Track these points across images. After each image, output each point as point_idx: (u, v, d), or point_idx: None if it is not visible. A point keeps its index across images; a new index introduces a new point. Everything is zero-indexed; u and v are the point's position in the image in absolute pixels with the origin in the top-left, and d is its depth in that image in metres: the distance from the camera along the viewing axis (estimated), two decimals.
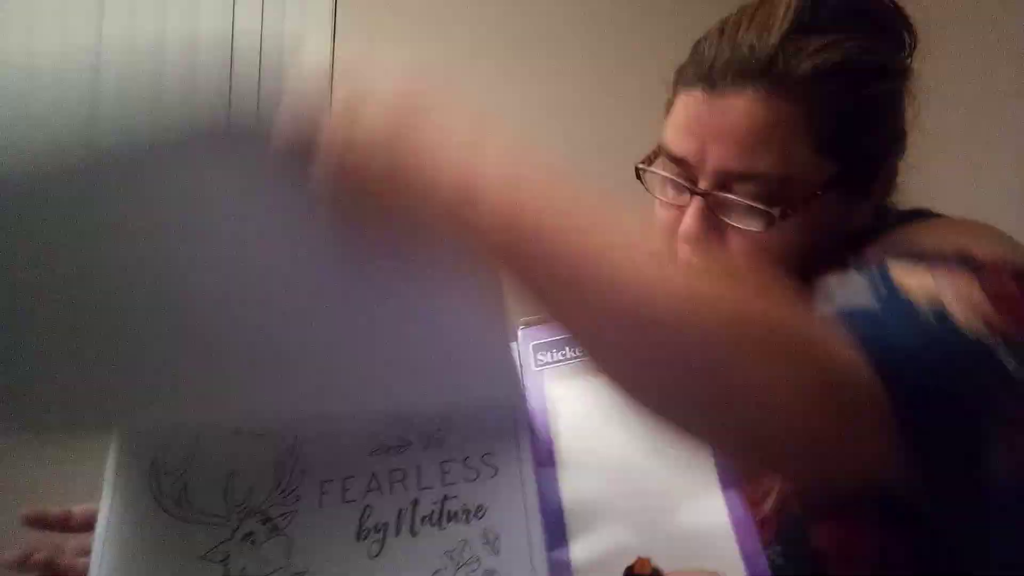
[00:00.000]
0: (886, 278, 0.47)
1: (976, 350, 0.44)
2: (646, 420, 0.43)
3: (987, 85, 1.69)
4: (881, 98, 0.59)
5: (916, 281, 0.46)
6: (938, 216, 0.61)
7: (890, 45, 0.59)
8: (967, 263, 0.48)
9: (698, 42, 0.61)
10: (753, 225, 0.57)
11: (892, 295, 0.46)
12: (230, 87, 0.39)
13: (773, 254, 0.57)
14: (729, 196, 0.57)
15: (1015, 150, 1.65)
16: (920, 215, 0.61)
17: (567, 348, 0.61)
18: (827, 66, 0.55)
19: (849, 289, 0.48)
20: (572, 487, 0.56)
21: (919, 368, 0.42)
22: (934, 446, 0.42)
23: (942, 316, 0.44)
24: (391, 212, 0.38)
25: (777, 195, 0.56)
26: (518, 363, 0.62)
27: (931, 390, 0.42)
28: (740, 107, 0.55)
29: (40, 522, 0.57)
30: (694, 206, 0.58)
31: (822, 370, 0.40)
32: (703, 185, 0.58)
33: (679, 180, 0.60)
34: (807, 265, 0.58)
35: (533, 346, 0.62)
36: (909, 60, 0.61)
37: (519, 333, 0.64)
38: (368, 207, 0.38)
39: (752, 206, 0.56)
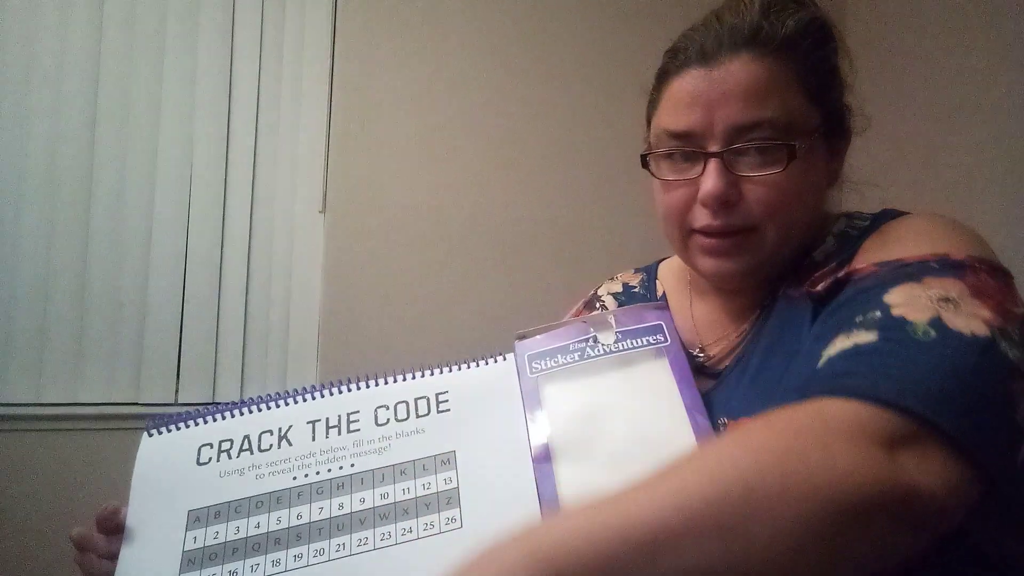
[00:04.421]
0: (885, 311, 0.52)
1: (979, 346, 0.48)
2: None
3: (987, 86, 1.78)
4: (836, 55, 0.67)
5: (911, 306, 0.51)
6: (902, 214, 0.66)
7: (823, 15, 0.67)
8: (949, 268, 0.54)
9: (672, 46, 0.68)
10: (771, 168, 0.62)
11: (892, 323, 0.50)
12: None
13: (786, 197, 0.62)
14: (745, 145, 0.62)
15: (1012, 151, 1.71)
16: (887, 214, 0.66)
17: (559, 356, 0.66)
18: (804, 23, 0.63)
19: (856, 334, 0.52)
20: (567, 478, 0.60)
21: (935, 385, 0.45)
22: (987, 449, 0.44)
23: (940, 326, 0.49)
24: None
25: (787, 136, 0.61)
26: (513, 370, 0.67)
27: (955, 399, 0.45)
28: (738, 69, 0.62)
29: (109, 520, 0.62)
30: (712, 167, 0.62)
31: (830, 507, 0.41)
32: (714, 148, 0.63)
33: (691, 149, 0.64)
34: (805, 214, 0.65)
35: (528, 356, 0.67)
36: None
37: (515, 344, 0.69)
38: None
39: (771, 144, 0.61)
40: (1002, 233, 1.65)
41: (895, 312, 0.51)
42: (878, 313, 0.52)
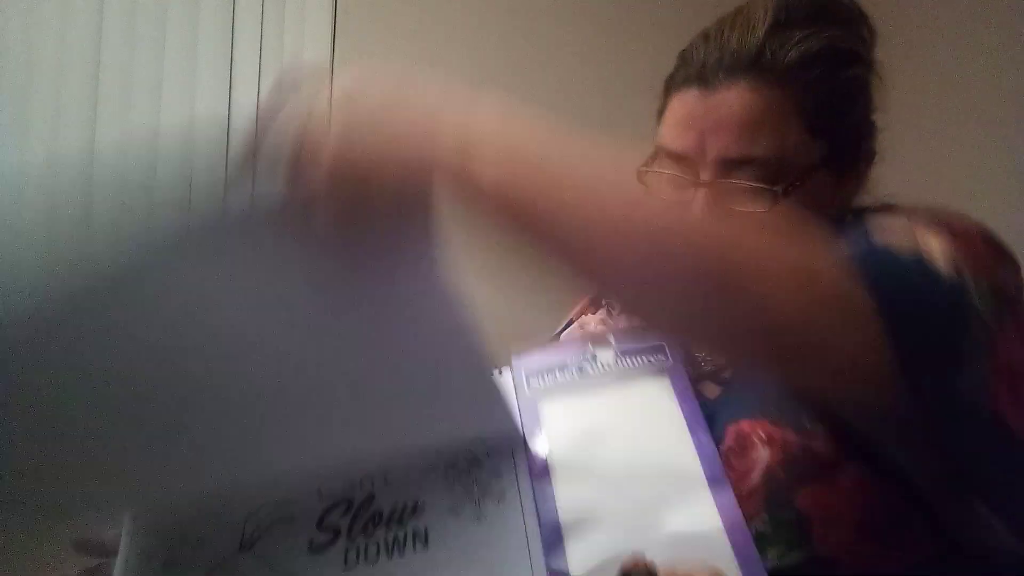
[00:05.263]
0: (867, 234, 0.52)
1: (951, 289, 0.49)
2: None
3: (988, 85, 1.77)
4: (856, 81, 0.64)
5: (896, 235, 0.51)
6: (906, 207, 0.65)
7: (856, 36, 0.65)
8: (942, 227, 0.53)
9: (684, 50, 0.66)
10: (757, 206, 0.60)
11: (874, 246, 0.51)
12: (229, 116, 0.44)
13: None
14: (733, 182, 0.60)
15: (1013, 150, 1.70)
16: (889, 207, 0.65)
17: (557, 372, 0.66)
18: (811, 53, 0.60)
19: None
20: (567, 498, 0.59)
21: (904, 301, 0.47)
22: (916, 362, 0.47)
23: (921, 260, 0.49)
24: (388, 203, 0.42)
25: (776, 176, 0.60)
26: (510, 387, 0.66)
27: (913, 320, 0.47)
28: (734, 99, 0.60)
29: None
30: (700, 196, 0.61)
31: (822, 292, 0.45)
32: (705, 176, 0.61)
33: (681, 175, 0.63)
34: None
35: (526, 372, 0.66)
36: (872, 50, 0.66)
37: (512, 361, 0.68)
38: (360, 206, 0.42)
39: (756, 188, 0.60)
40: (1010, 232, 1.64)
41: (874, 233, 0.52)
42: (856, 231, 0.53)
